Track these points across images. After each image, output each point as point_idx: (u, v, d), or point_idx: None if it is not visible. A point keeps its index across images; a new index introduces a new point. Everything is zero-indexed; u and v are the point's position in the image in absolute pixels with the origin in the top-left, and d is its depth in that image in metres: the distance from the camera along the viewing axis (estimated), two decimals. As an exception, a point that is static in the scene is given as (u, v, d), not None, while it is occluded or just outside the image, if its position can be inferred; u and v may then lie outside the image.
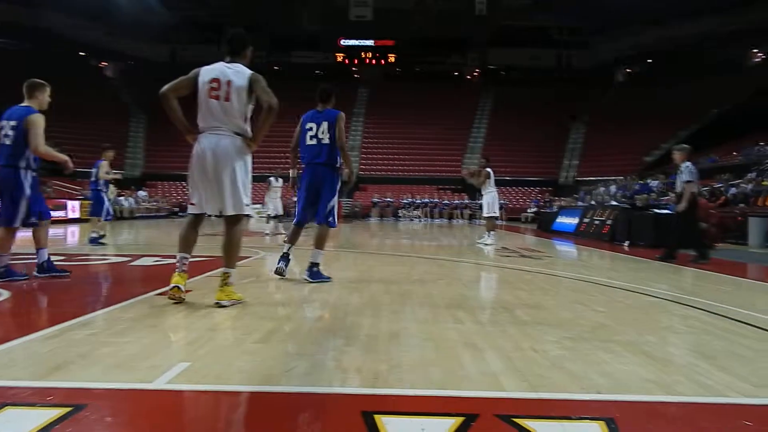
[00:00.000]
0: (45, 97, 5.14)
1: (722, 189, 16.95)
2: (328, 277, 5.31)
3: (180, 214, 29.48)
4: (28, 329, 3.08)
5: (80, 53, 40.49)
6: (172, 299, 3.91)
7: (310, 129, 5.23)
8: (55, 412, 1.89)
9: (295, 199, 5.51)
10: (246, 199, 3.99)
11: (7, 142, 4.87)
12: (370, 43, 46.02)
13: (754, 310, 4.15)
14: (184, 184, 33.36)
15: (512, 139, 37.84)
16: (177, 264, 4.01)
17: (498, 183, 11.78)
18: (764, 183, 16.53)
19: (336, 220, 5.29)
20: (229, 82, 3.87)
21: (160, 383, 2.24)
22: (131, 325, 3.29)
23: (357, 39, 45.43)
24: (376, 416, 1.92)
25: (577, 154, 37.80)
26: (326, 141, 5.16)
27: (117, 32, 39.59)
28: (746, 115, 29.95)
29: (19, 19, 34.91)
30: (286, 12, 40.26)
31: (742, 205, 15.03)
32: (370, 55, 46.84)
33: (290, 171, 5.77)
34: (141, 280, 5.59)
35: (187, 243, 4.07)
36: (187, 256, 4.05)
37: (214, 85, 3.88)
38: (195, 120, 4.05)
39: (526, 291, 5.02)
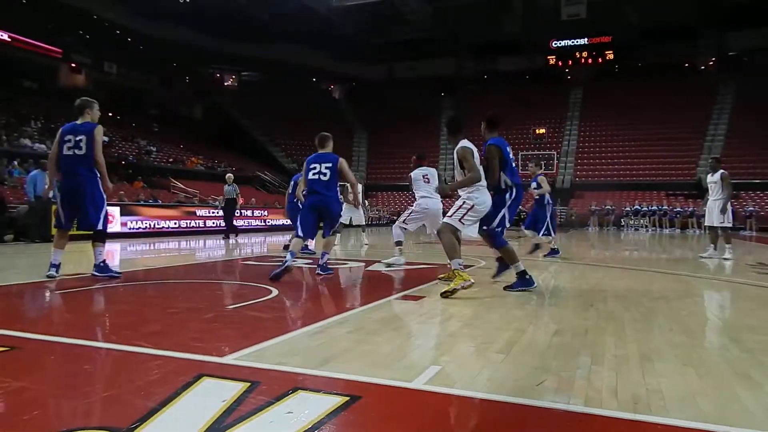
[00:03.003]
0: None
1: None
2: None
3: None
4: (299, 324, 3.57)
5: (312, 79, 45.74)
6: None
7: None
8: (337, 400, 2.15)
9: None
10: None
11: None
12: (584, 41, 43.48)
13: None
14: (402, 193, 35.54)
15: (761, 136, 32.27)
16: (461, 268, 4.89)
17: (746, 187, 10.07)
18: None
19: None
20: None
21: (418, 383, 2.40)
22: (380, 326, 3.60)
23: (570, 39, 43.27)
24: (645, 444, 1.80)
25: None
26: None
27: (339, 57, 43.68)
28: None
29: (256, 53, 40.57)
30: (488, 19, 40.09)
31: None
32: (585, 54, 44.20)
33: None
34: (378, 284, 6.07)
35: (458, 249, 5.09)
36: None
37: None
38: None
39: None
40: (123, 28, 35.08)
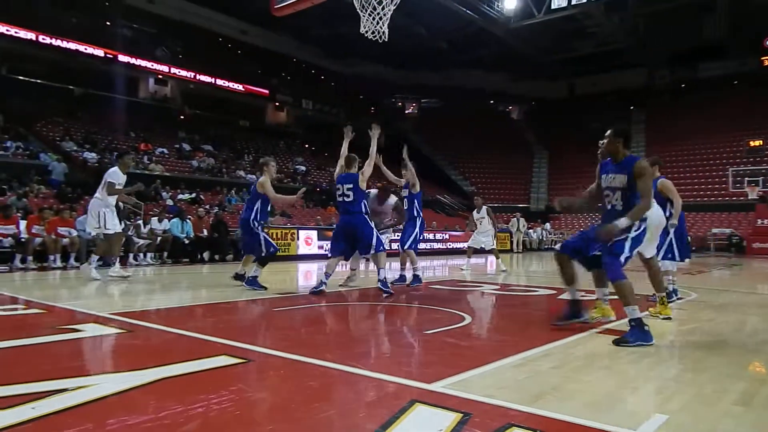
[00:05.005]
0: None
1: None
2: None
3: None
4: (501, 354, 3.52)
5: (489, 101, 45.69)
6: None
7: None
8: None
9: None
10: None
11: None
12: (812, 34, 36.92)
13: None
14: (584, 215, 33.44)
15: None
16: (603, 299, 4.77)
17: None
18: None
19: None
20: None
21: (645, 433, 2.22)
22: (586, 363, 3.40)
23: (793, 34, 37.05)
24: None
25: None
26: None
27: (517, 77, 42.94)
28: None
29: (435, 81, 41.97)
30: (685, 24, 35.98)
31: None
32: (815, 49, 37.44)
33: None
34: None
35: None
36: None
37: None
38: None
39: None
40: (317, 68, 39.15)
